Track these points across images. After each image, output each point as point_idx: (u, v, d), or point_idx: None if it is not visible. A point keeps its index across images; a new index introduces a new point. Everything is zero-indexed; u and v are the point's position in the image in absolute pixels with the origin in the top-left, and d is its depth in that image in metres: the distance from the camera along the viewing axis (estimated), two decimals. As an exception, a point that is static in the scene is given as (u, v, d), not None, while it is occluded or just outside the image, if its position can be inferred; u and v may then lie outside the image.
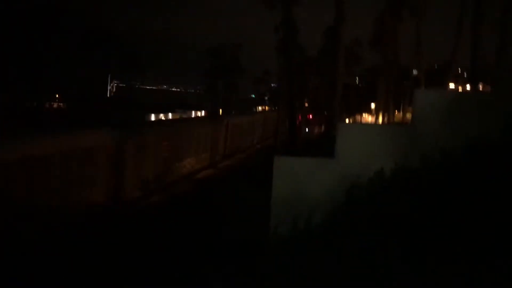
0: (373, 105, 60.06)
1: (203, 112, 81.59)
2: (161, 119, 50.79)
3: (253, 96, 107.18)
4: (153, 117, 57.58)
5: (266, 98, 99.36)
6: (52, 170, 11.39)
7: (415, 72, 42.68)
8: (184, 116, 68.27)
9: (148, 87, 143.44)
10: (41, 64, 61.03)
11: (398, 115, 55.88)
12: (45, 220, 11.24)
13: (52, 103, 76.05)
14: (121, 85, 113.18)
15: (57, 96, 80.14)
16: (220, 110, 75.40)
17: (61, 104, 77.00)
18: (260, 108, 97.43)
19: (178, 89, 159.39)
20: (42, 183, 10.86)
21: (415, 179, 5.13)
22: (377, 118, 47.57)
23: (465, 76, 58.77)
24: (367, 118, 73.44)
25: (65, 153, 11.85)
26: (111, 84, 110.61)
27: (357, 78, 74.90)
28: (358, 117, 72.58)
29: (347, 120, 59.68)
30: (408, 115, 38.43)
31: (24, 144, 11.04)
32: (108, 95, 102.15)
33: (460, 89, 45.42)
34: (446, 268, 3.51)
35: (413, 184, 4.99)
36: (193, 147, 20.13)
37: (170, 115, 66.27)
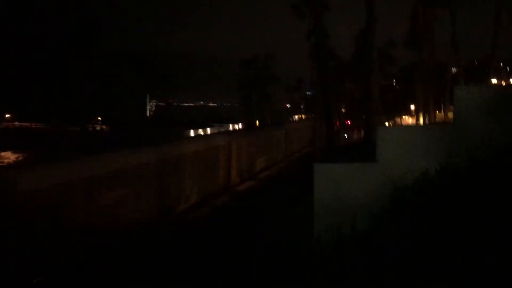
0: (412, 106, 58.82)
1: (240, 124, 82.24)
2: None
3: (288, 105, 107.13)
4: (192, 133, 58.55)
5: (301, 106, 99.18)
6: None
7: (454, 69, 41.54)
8: (222, 129, 69.00)
9: (185, 104, 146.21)
10: (82, 89, 63.38)
11: (439, 114, 54.41)
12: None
13: (95, 125, 78.89)
14: (159, 104, 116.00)
15: (99, 118, 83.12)
16: (257, 122, 75.80)
17: (103, 126, 79.67)
18: (296, 116, 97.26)
19: (215, 104, 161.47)
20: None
21: (461, 178, 4.99)
22: (417, 119, 46.52)
23: (508, 70, 56.69)
24: (407, 119, 71.93)
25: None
26: (150, 104, 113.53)
27: (394, 80, 73.59)
28: (397, 119, 71.13)
29: (386, 123, 58.64)
30: (450, 114, 37.34)
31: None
32: (147, 114, 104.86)
33: (503, 83, 43.84)
34: (503, 274, 3.37)
35: (460, 184, 4.86)
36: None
37: (208, 130, 67.18)
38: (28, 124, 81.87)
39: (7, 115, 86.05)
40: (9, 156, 48.48)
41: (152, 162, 12.89)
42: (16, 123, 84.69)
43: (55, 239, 8.55)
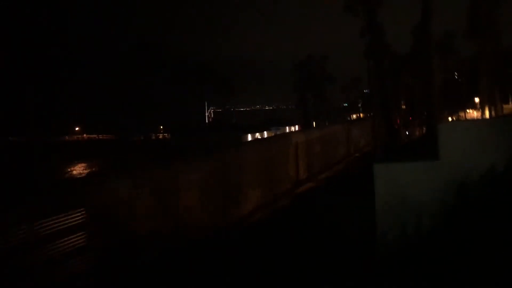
0: (476, 99, 56.12)
1: (296, 126, 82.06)
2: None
3: (346, 104, 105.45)
4: (249, 137, 59.24)
5: (359, 105, 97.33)
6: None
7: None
8: (278, 132, 69.29)
9: (242, 109, 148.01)
10: (145, 99, 65.85)
11: (507, 106, 51.49)
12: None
13: (158, 134, 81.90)
14: (217, 110, 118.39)
15: (161, 127, 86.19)
16: (314, 123, 75.31)
17: (166, 134, 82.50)
18: (354, 116, 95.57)
19: (271, 107, 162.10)
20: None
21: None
22: (483, 113, 44.28)
23: None
24: (472, 113, 68.66)
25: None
26: (209, 111, 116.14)
27: (455, 72, 70.51)
28: (461, 114, 68.05)
29: (450, 118, 56.30)
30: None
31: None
32: (206, 121, 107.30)
33: None
34: None
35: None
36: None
37: (265, 133, 67.66)
38: (95, 136, 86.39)
39: (77, 128, 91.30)
40: (82, 167, 51.37)
41: (218, 168, 13.30)
42: (84, 135, 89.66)
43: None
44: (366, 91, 75.23)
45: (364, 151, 33.99)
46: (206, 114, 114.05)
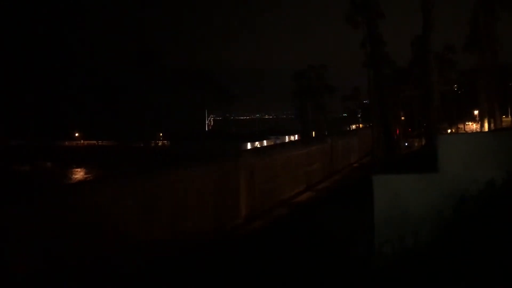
0: (476, 112, 56.24)
1: (296, 136, 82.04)
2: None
3: (345, 114, 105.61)
4: (249, 146, 59.17)
5: (358, 115, 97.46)
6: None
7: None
8: (278, 141, 69.29)
9: (242, 118, 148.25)
10: (144, 106, 65.97)
11: (506, 119, 51.59)
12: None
13: (157, 141, 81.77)
14: (217, 118, 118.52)
15: (160, 134, 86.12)
16: (313, 132, 75.32)
17: (165, 141, 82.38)
18: (353, 126, 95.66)
19: (271, 116, 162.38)
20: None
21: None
22: (482, 125, 44.33)
23: None
24: (471, 125, 68.77)
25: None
26: (208, 119, 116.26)
27: (455, 85, 70.72)
28: (460, 126, 68.16)
29: (448, 130, 56.36)
30: (518, 118, 35.32)
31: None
32: (206, 129, 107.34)
33: None
34: None
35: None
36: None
37: (264, 142, 67.62)
38: (95, 142, 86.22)
39: (77, 134, 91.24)
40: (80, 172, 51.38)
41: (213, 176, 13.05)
42: (81, 141, 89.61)
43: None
44: (366, 101, 75.40)
45: (363, 162, 33.91)
46: (206, 122, 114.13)
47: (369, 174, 6.24)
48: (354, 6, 33.87)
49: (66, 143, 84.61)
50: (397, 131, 50.06)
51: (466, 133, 41.44)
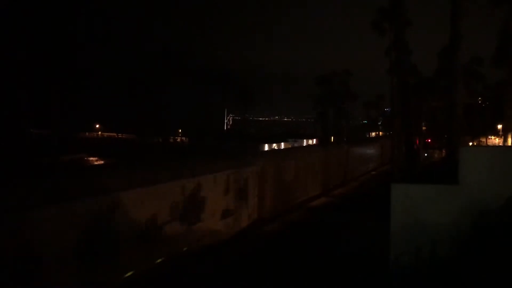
0: (499, 126, 55.12)
1: (314, 140, 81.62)
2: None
3: (365, 121, 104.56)
4: (266, 147, 59.15)
5: (379, 123, 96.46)
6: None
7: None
8: (295, 145, 69.10)
9: (261, 119, 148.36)
10: (166, 104, 66.62)
11: (531, 135, 50.29)
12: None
13: (176, 138, 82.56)
14: (236, 118, 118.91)
15: (179, 131, 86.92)
16: (332, 138, 74.83)
17: (184, 138, 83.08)
18: (373, 133, 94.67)
19: (290, 119, 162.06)
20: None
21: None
22: (505, 140, 43.37)
23: None
24: (494, 140, 67.45)
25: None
26: (228, 118, 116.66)
27: (480, 98, 69.34)
28: (483, 140, 66.88)
29: (470, 143, 55.38)
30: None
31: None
32: (225, 128, 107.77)
33: None
34: None
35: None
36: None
37: (282, 145, 67.49)
38: (114, 134, 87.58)
39: (97, 125, 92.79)
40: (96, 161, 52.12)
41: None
42: (99, 133, 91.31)
43: None
44: (387, 109, 74.49)
45: (381, 170, 33.55)
46: (225, 121, 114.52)
47: (387, 182, 6.15)
48: (382, 12, 33.50)
49: (87, 134, 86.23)
50: (417, 141, 49.39)
51: (490, 146, 40.55)
